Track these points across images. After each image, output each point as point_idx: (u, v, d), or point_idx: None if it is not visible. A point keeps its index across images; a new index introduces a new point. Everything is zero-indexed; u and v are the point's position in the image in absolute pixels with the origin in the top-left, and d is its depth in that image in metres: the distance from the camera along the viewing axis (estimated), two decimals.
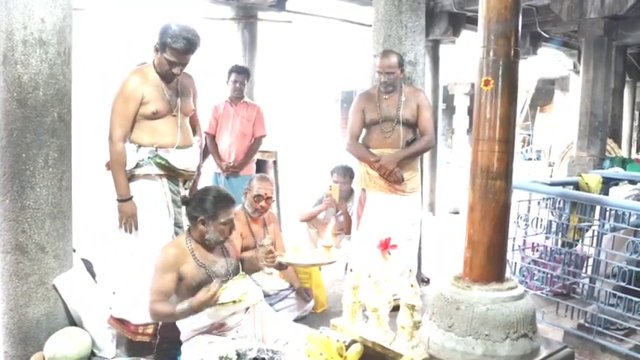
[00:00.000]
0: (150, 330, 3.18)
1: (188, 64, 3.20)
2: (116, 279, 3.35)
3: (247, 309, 2.99)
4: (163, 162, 3.18)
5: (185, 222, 3.26)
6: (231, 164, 5.07)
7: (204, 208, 2.98)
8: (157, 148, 3.17)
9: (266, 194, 3.85)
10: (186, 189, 3.34)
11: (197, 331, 2.91)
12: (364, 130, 4.14)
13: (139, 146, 3.17)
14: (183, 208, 3.21)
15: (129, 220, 3.17)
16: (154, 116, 3.17)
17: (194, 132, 3.51)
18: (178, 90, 3.27)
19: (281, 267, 3.25)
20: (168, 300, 2.90)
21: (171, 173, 3.24)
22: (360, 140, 4.15)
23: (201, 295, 2.78)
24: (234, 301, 2.86)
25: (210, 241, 3.02)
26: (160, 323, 3.14)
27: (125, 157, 3.14)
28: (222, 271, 3.04)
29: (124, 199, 3.16)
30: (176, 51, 3.09)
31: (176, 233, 3.26)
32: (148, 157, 3.16)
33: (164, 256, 2.97)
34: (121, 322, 3.25)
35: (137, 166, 3.17)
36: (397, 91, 4.01)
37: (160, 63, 3.16)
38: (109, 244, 3.35)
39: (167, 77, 3.20)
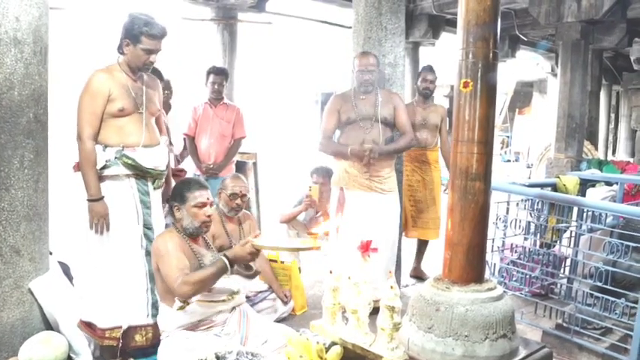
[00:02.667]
0: (116, 334, 3.10)
1: (160, 51, 3.17)
2: (85, 281, 3.26)
3: (233, 308, 3.04)
4: (130, 161, 3.11)
5: (154, 223, 3.23)
6: (211, 166, 5.04)
7: (175, 195, 3.12)
8: (123, 147, 3.11)
9: (241, 192, 3.89)
10: (155, 189, 3.28)
11: (182, 327, 2.91)
12: (339, 132, 4.18)
13: (105, 146, 3.10)
14: (152, 208, 3.22)
15: (100, 221, 3.08)
16: (121, 114, 3.10)
17: (160, 132, 3.45)
18: (143, 89, 3.22)
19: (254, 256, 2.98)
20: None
21: (140, 173, 3.17)
22: (337, 139, 4.18)
23: (237, 248, 2.77)
24: (223, 300, 2.89)
25: (188, 229, 3.04)
26: (125, 327, 3.08)
27: (95, 156, 3.07)
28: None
29: (95, 199, 3.07)
30: (154, 37, 3.07)
31: (145, 235, 3.19)
32: (115, 158, 3.10)
33: (164, 241, 2.97)
34: (89, 326, 3.16)
35: (104, 167, 3.10)
36: (373, 92, 4.06)
37: (135, 56, 3.10)
38: (79, 246, 3.27)
39: (141, 69, 3.17)
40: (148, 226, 3.21)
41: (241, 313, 3.07)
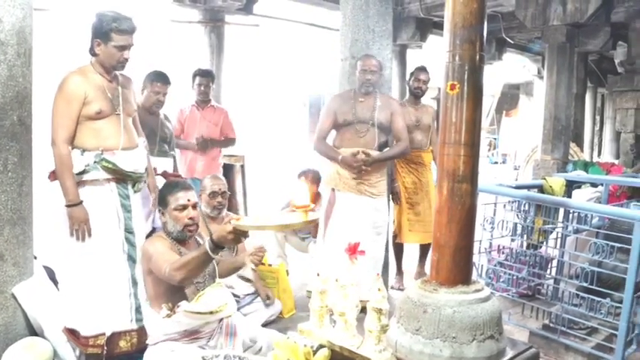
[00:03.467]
0: (100, 341, 3.05)
1: (133, 46, 3.11)
2: (68, 288, 3.18)
3: (221, 320, 2.91)
4: (111, 165, 3.06)
5: (135, 227, 3.18)
6: (201, 138, 5.01)
7: (159, 199, 3.07)
8: (102, 151, 3.05)
9: (220, 189, 3.89)
10: (135, 192, 3.23)
11: (168, 336, 2.85)
12: (334, 132, 4.18)
13: (84, 150, 3.04)
14: (133, 212, 3.17)
15: (81, 227, 3.01)
16: (98, 116, 3.04)
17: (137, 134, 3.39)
18: (119, 89, 3.17)
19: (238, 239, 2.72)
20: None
21: (120, 176, 3.12)
22: (332, 140, 4.20)
23: (219, 227, 2.62)
24: (211, 312, 2.78)
25: (172, 233, 2.99)
26: (108, 334, 3.04)
27: (71, 160, 3.00)
28: None
29: (74, 204, 3.00)
30: (125, 32, 3.02)
31: (126, 239, 3.13)
32: (95, 162, 3.04)
33: (153, 244, 2.94)
34: (73, 333, 3.09)
35: (84, 172, 3.03)
36: (372, 95, 4.08)
37: (108, 54, 3.04)
38: (61, 251, 3.19)
39: (117, 67, 3.11)
40: (129, 231, 3.15)
41: (229, 326, 2.94)
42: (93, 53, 3.09)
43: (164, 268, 2.78)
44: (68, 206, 3.01)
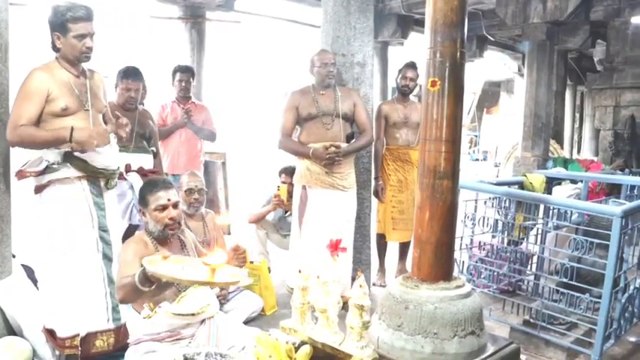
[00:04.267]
0: (76, 342, 2.98)
1: (95, 34, 2.99)
2: (44, 288, 3.11)
3: (203, 321, 2.84)
4: (81, 163, 2.97)
5: (109, 225, 3.11)
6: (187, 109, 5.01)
7: (139, 198, 3.00)
8: (72, 148, 2.94)
9: (197, 186, 3.88)
10: (108, 188, 3.15)
11: (149, 336, 2.80)
12: (298, 128, 4.18)
13: (55, 148, 2.94)
14: (106, 210, 3.10)
15: (97, 139, 2.91)
16: (64, 113, 2.93)
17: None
18: (87, 84, 3.06)
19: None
20: None
21: (91, 174, 3.03)
22: (297, 136, 4.17)
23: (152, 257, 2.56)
24: (192, 314, 2.73)
25: (153, 233, 2.93)
26: (82, 334, 2.98)
27: (32, 127, 2.85)
28: None
29: (70, 135, 2.86)
30: (81, 19, 2.89)
31: (101, 238, 3.07)
32: (64, 160, 2.93)
33: (125, 250, 2.88)
34: (51, 334, 3.03)
35: (51, 170, 2.93)
36: (332, 88, 4.09)
37: (70, 46, 2.93)
38: (37, 251, 3.13)
39: (82, 59, 2.99)
40: (103, 229, 3.08)
41: (211, 326, 2.86)
42: (55, 49, 2.98)
43: (117, 282, 2.76)
44: (72, 141, 2.87)
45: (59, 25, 2.90)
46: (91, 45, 2.96)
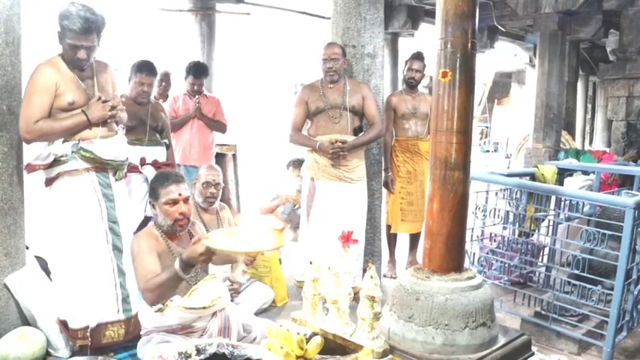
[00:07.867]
0: (88, 333, 3.01)
1: (94, 46, 2.98)
2: (57, 280, 3.15)
3: (214, 313, 2.84)
4: (89, 154, 2.98)
5: (119, 216, 3.12)
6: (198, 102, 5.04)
7: (150, 190, 3.00)
8: (79, 140, 2.97)
9: (214, 180, 3.86)
10: (117, 180, 3.16)
11: (160, 329, 2.80)
12: (308, 122, 4.22)
13: (63, 141, 2.96)
14: (115, 201, 3.11)
15: (112, 112, 2.99)
16: (72, 107, 2.95)
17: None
18: (94, 78, 3.08)
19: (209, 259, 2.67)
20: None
21: (99, 165, 3.05)
22: (307, 129, 4.22)
23: (189, 248, 2.57)
24: (204, 307, 2.72)
25: (162, 226, 2.91)
26: (93, 325, 3.01)
27: (48, 119, 2.91)
28: None
29: (85, 115, 2.93)
30: (75, 32, 2.87)
31: (110, 229, 3.08)
32: (72, 152, 2.96)
33: (138, 242, 2.86)
34: (64, 325, 3.07)
35: (59, 162, 2.96)
36: (341, 81, 4.10)
37: (64, 50, 2.96)
38: (48, 244, 3.16)
39: (75, 65, 2.99)
40: (112, 220, 3.10)
41: (222, 319, 2.86)
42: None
43: (140, 283, 2.76)
44: (87, 120, 2.95)
45: (60, 28, 2.92)
46: (83, 57, 2.95)
